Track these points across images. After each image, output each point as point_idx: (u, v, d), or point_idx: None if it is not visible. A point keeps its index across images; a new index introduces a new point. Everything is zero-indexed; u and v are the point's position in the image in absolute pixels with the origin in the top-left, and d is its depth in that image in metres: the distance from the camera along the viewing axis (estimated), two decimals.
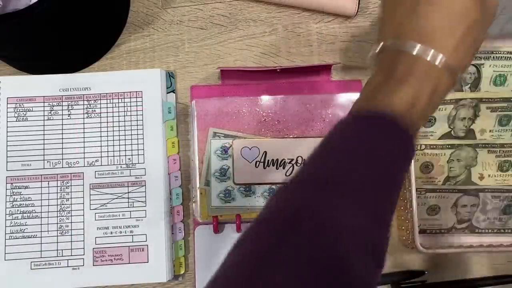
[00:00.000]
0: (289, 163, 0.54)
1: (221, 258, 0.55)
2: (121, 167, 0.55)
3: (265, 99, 0.55)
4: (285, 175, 0.54)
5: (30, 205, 0.54)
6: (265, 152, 0.54)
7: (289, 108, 0.55)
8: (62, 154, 0.55)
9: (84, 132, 0.56)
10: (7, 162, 0.55)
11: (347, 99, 0.55)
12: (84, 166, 0.55)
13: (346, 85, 0.57)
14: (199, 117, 0.55)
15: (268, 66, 0.58)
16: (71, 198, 0.55)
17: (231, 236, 0.55)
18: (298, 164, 0.54)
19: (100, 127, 0.56)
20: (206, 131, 0.55)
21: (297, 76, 0.57)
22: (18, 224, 0.54)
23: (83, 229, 0.54)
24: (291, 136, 0.55)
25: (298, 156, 0.54)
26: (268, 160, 0.54)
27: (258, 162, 0.54)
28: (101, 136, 0.56)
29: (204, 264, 0.55)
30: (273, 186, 0.54)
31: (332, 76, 0.58)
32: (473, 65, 0.56)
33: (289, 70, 0.57)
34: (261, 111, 0.55)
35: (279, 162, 0.54)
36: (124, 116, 0.56)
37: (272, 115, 0.55)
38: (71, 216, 0.54)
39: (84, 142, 0.56)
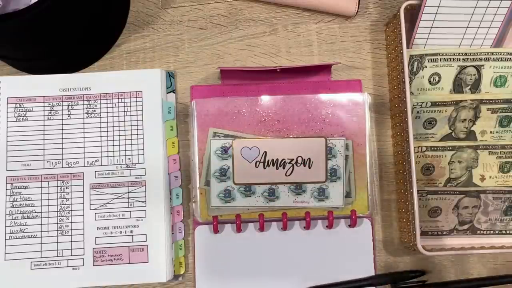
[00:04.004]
0: (289, 163, 0.54)
1: (221, 258, 0.55)
2: (121, 167, 0.55)
3: (265, 99, 0.55)
4: (285, 175, 0.54)
5: (30, 205, 0.54)
6: (265, 152, 0.54)
7: (289, 108, 0.55)
8: (62, 154, 0.55)
9: (84, 132, 0.56)
10: (7, 162, 0.55)
11: (347, 99, 0.55)
12: (84, 166, 0.55)
13: (346, 85, 0.57)
14: (199, 117, 0.55)
15: (268, 66, 0.58)
16: (71, 198, 0.55)
17: (231, 236, 0.55)
18: (298, 164, 0.54)
19: (100, 127, 0.56)
20: (206, 131, 0.55)
21: (297, 76, 0.57)
22: (18, 224, 0.54)
23: (83, 229, 0.54)
24: (291, 136, 0.55)
25: (298, 156, 0.54)
26: (268, 160, 0.54)
27: (258, 162, 0.54)
28: (101, 136, 0.56)
29: (204, 264, 0.55)
30: (273, 186, 0.54)
31: (332, 76, 0.58)
32: (473, 66, 0.56)
33: (289, 70, 0.57)
34: (261, 111, 0.55)
35: (279, 162, 0.54)
36: (124, 116, 0.56)
37: (272, 115, 0.55)
38: (71, 216, 0.54)
39: (84, 142, 0.56)
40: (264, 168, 0.54)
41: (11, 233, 0.54)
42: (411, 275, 0.54)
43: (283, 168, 0.54)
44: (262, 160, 0.54)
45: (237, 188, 0.54)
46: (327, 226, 0.55)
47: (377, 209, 0.57)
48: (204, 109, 0.55)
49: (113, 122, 0.56)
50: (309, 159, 0.54)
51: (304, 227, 0.55)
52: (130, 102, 0.56)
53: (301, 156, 0.54)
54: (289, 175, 0.54)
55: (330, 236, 0.55)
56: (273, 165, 0.54)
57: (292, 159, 0.54)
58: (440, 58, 0.56)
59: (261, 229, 0.54)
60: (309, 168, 0.54)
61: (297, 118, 0.55)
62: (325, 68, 0.57)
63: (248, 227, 0.55)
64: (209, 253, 0.55)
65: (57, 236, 0.54)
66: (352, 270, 0.54)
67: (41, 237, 0.54)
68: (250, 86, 0.57)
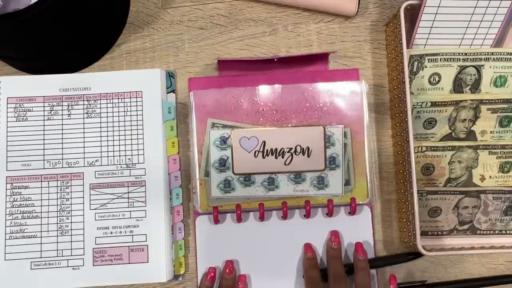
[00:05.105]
0: (288, 152, 0.54)
1: (222, 248, 0.55)
2: (121, 167, 0.55)
3: (263, 89, 0.55)
4: (284, 164, 0.54)
5: (30, 205, 0.54)
6: (264, 141, 0.54)
7: (287, 98, 0.55)
8: (62, 154, 0.55)
9: (84, 132, 0.56)
10: (7, 162, 0.55)
11: (345, 87, 0.55)
12: (84, 166, 0.55)
13: (344, 74, 0.57)
14: (197, 108, 0.55)
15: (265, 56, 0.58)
16: (71, 198, 0.55)
17: (231, 226, 0.55)
18: (297, 153, 0.54)
19: (100, 127, 0.56)
20: (205, 122, 0.55)
21: (294, 66, 0.57)
22: (18, 224, 0.54)
23: (83, 229, 0.54)
24: (290, 125, 0.55)
25: (297, 145, 0.54)
26: (267, 150, 0.54)
27: (257, 152, 0.54)
28: (101, 136, 0.56)
29: (205, 254, 0.55)
30: (273, 176, 0.54)
31: (329, 66, 0.58)
32: (473, 66, 0.56)
33: (286, 60, 0.57)
34: (259, 101, 0.55)
35: (278, 151, 0.54)
36: (124, 116, 0.56)
37: (270, 105, 0.55)
38: (71, 216, 0.54)
39: (84, 142, 0.56)
40: (263, 157, 0.54)
41: (11, 233, 0.54)
42: (409, 257, 0.54)
43: (282, 157, 0.54)
44: (261, 150, 0.54)
45: (237, 178, 0.54)
46: (327, 214, 0.54)
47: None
48: (202, 100, 0.55)
49: (113, 122, 0.56)
50: (308, 147, 0.54)
51: (304, 216, 0.55)
52: (130, 102, 0.56)
53: (300, 145, 0.54)
54: (288, 164, 0.54)
55: (330, 224, 0.55)
56: (272, 155, 0.54)
57: (291, 148, 0.54)
58: (440, 58, 0.56)
59: (261, 218, 0.54)
60: (308, 156, 0.54)
61: (295, 107, 0.55)
62: (322, 57, 0.57)
63: (248, 216, 0.55)
64: (210, 243, 0.55)
65: (57, 236, 0.54)
66: (352, 257, 0.54)
67: (41, 237, 0.54)
68: (247, 76, 0.57)
